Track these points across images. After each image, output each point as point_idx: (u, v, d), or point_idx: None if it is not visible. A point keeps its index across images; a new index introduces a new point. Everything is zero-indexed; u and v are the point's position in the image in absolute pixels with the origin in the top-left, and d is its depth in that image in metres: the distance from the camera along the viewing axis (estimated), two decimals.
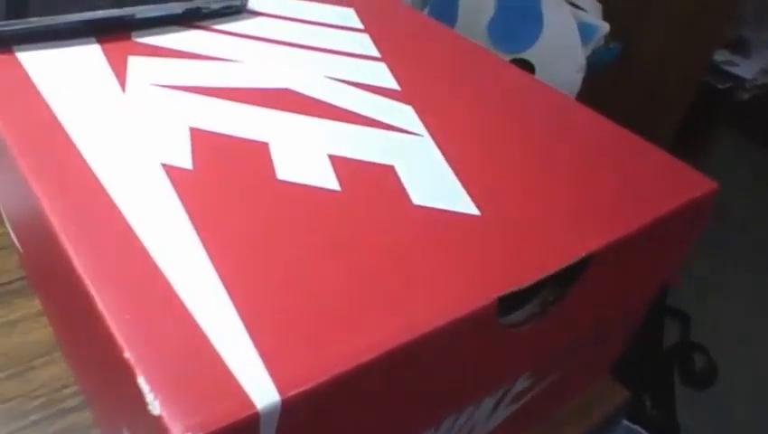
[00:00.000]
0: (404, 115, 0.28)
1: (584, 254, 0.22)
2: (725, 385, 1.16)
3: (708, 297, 1.32)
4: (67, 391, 0.29)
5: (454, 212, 0.23)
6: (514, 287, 0.20)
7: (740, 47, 1.46)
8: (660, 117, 1.21)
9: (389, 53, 0.33)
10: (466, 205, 0.23)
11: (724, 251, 1.43)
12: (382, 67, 0.32)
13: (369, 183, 0.23)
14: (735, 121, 1.62)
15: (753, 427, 1.10)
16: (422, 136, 0.27)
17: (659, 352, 1.16)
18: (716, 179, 0.27)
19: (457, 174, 0.25)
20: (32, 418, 0.28)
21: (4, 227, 0.34)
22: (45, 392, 0.29)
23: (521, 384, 0.27)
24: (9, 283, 0.34)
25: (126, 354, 0.16)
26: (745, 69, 1.43)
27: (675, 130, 1.25)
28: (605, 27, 0.81)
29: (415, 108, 0.29)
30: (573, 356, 0.29)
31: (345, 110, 0.28)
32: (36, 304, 0.33)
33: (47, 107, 0.24)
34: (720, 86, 1.40)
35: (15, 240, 0.31)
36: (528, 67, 0.72)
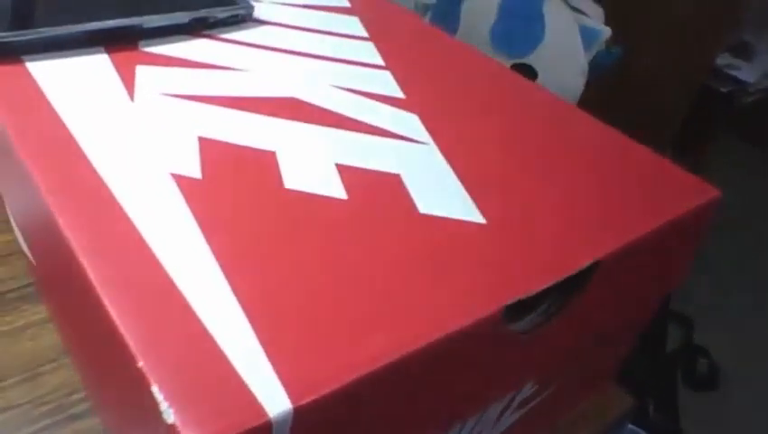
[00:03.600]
0: (409, 123, 0.28)
1: (589, 262, 0.22)
2: (728, 389, 1.16)
3: (711, 301, 1.32)
4: (75, 396, 0.29)
5: (461, 221, 0.23)
6: (520, 296, 0.20)
7: (742, 51, 1.46)
8: (661, 120, 1.22)
9: (394, 62, 0.33)
10: (472, 213, 0.23)
11: (726, 256, 1.43)
12: (387, 75, 0.32)
13: (376, 192, 0.24)
14: (737, 125, 1.62)
15: (756, 430, 1.10)
16: (428, 144, 0.27)
17: (662, 356, 1.16)
18: (717, 183, 0.27)
19: (463, 183, 0.25)
20: (41, 423, 0.28)
21: (12, 234, 0.35)
22: (54, 398, 0.29)
23: (527, 391, 0.27)
24: (18, 289, 0.34)
25: (140, 364, 0.16)
26: (747, 72, 1.44)
27: (676, 134, 1.25)
28: (607, 32, 0.81)
29: (420, 116, 0.29)
30: (577, 363, 0.30)
31: (351, 119, 0.28)
32: (44, 310, 0.33)
33: (57, 116, 0.25)
34: (722, 89, 1.40)
35: (24, 247, 0.31)
36: (530, 72, 0.72)
